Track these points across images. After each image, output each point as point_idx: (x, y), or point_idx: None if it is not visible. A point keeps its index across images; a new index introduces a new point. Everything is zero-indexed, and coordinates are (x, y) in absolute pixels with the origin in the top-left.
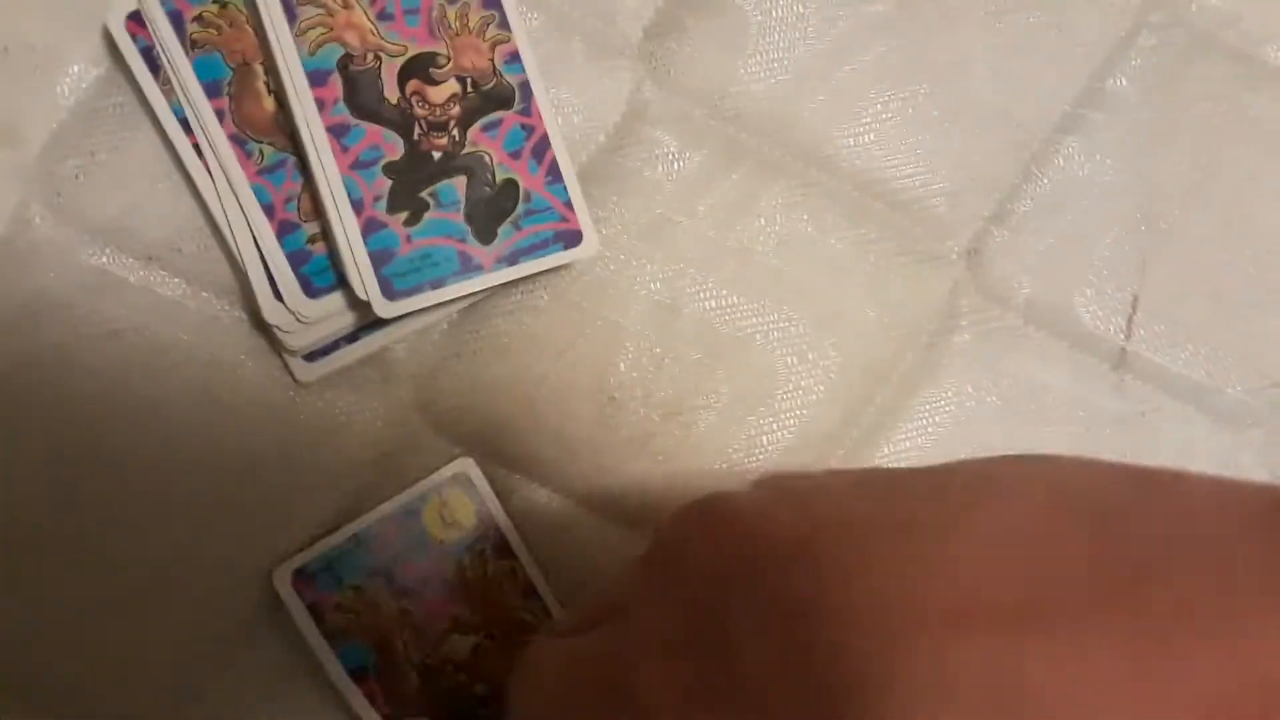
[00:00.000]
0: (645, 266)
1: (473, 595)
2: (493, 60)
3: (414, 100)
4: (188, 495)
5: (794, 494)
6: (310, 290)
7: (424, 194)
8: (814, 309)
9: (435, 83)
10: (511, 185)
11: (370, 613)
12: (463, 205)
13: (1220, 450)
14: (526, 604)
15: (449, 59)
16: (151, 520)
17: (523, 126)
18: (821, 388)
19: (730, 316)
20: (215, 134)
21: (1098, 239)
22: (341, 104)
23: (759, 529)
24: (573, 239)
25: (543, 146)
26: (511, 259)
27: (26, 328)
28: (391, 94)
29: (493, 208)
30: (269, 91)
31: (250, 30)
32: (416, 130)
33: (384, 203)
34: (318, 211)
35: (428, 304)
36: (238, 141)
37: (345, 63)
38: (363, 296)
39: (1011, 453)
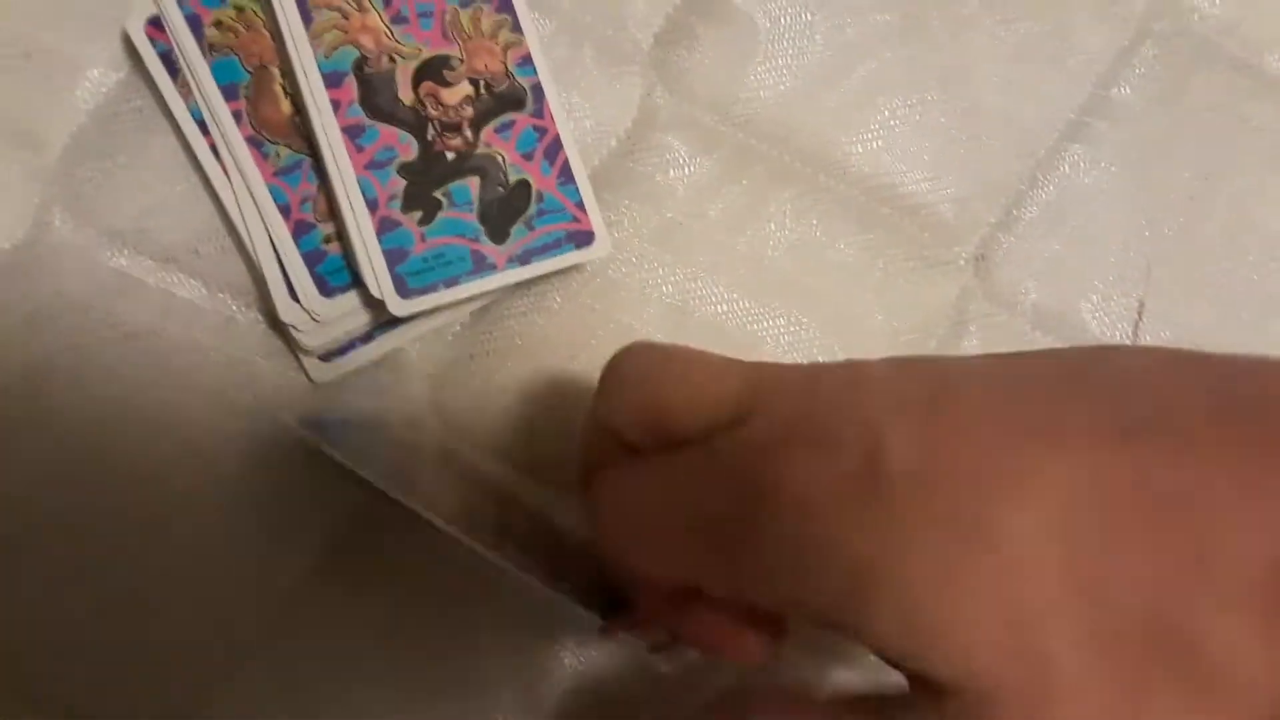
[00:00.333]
0: (656, 269)
1: None
2: (505, 63)
3: (428, 102)
4: (203, 494)
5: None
6: (325, 290)
7: (438, 194)
8: (823, 312)
9: (449, 84)
10: (524, 186)
11: None
12: (476, 205)
13: None
14: None
15: (462, 61)
16: (167, 520)
17: (535, 128)
18: None
19: (740, 319)
20: (232, 136)
21: (1103, 245)
22: (356, 105)
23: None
24: (585, 239)
25: (555, 148)
26: (524, 258)
27: (45, 329)
28: (406, 95)
29: (506, 208)
30: (285, 94)
31: (267, 34)
32: (430, 131)
33: (398, 202)
34: (333, 211)
35: (441, 302)
36: (254, 143)
37: (360, 65)
38: (377, 294)
39: None
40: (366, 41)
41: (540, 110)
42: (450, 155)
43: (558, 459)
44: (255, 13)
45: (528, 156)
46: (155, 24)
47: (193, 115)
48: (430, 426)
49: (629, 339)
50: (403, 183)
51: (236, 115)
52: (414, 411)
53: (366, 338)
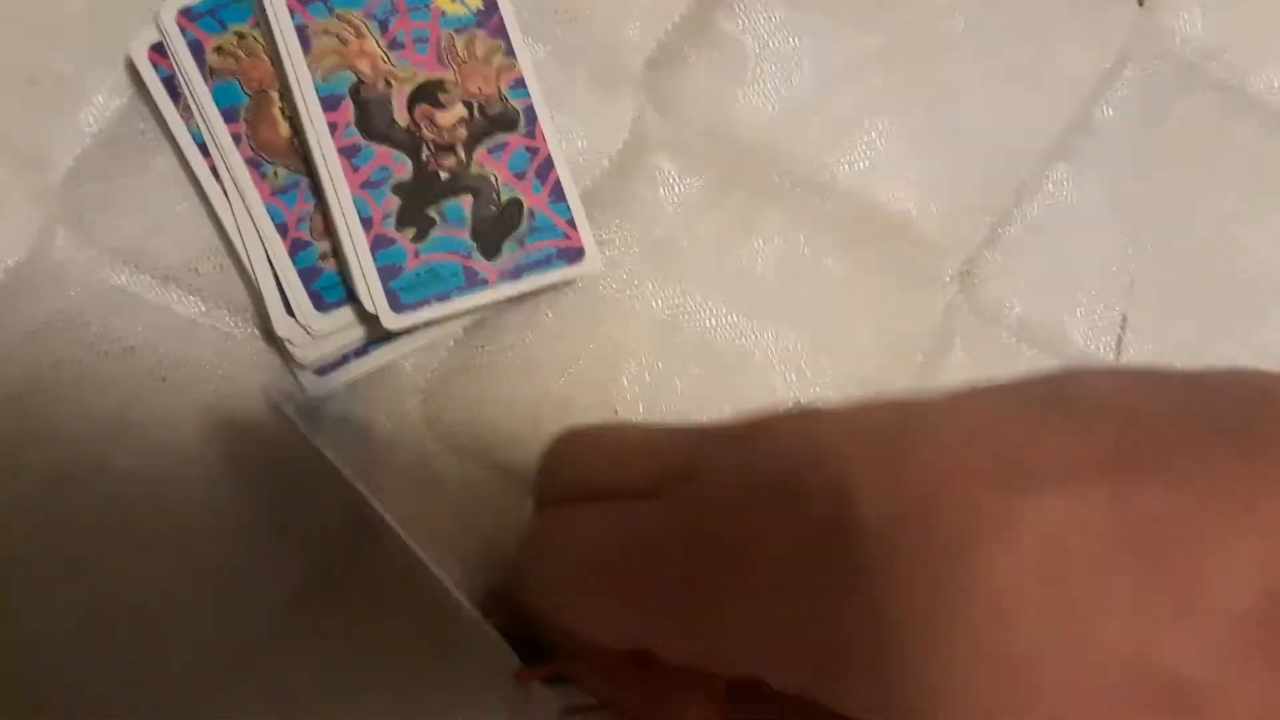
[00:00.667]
0: (647, 286)
1: None
2: (499, 86)
3: (423, 123)
4: (198, 508)
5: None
6: (321, 305)
7: (431, 212)
8: (811, 328)
9: (443, 107)
10: (516, 204)
11: None
12: (469, 223)
13: None
14: None
15: (457, 85)
16: (162, 533)
17: (527, 149)
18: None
19: (729, 335)
20: (232, 157)
21: (1087, 261)
22: (353, 127)
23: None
24: (575, 255)
25: (546, 168)
26: (516, 274)
27: (47, 343)
28: (401, 117)
29: (498, 225)
30: (284, 117)
31: (266, 59)
32: (425, 152)
33: (393, 220)
34: (329, 229)
35: (433, 317)
36: (253, 164)
37: (357, 88)
38: (371, 309)
39: None
40: (363, 66)
41: (533, 131)
42: (444, 175)
43: None
44: (255, 39)
45: (520, 176)
46: (158, 49)
47: (194, 137)
48: (423, 438)
49: (620, 355)
50: (397, 201)
51: (236, 137)
52: (407, 424)
53: (361, 352)
